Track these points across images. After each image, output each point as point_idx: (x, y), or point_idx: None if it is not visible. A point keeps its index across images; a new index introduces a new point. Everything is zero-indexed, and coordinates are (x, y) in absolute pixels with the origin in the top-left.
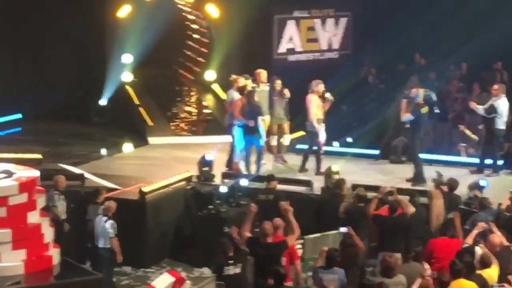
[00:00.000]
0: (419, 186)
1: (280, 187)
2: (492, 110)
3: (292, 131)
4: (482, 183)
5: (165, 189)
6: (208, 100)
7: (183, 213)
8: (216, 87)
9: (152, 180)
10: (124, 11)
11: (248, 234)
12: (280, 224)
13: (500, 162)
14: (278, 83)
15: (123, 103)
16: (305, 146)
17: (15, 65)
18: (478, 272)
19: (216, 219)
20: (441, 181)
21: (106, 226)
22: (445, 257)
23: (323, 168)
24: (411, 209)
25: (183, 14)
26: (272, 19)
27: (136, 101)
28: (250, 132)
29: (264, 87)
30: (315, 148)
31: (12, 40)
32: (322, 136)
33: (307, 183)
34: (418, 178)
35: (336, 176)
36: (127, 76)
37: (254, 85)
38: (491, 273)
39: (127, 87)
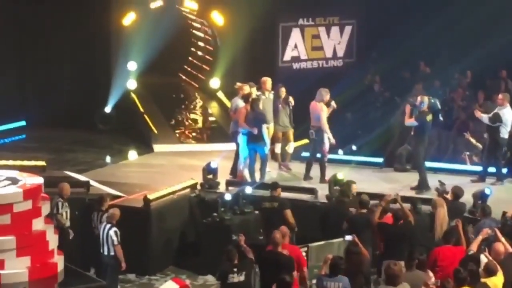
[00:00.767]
0: (424, 194)
1: (285, 194)
2: (497, 119)
3: (296, 139)
4: (486, 191)
5: (169, 197)
6: (213, 108)
7: (187, 221)
8: (220, 94)
9: (156, 187)
10: (129, 19)
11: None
12: (286, 232)
13: (504, 171)
14: (283, 91)
15: (128, 111)
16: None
17: (20, 72)
18: (483, 280)
19: (221, 226)
20: (444, 190)
21: (110, 233)
22: (449, 265)
23: (327, 176)
24: (410, 217)
25: (188, 21)
26: (277, 27)
27: (141, 109)
28: (255, 139)
29: (269, 95)
30: (318, 155)
31: (17, 47)
32: (327, 144)
33: (312, 191)
34: (422, 186)
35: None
36: (132, 84)
37: (259, 93)
38: (496, 281)
39: (132, 94)
